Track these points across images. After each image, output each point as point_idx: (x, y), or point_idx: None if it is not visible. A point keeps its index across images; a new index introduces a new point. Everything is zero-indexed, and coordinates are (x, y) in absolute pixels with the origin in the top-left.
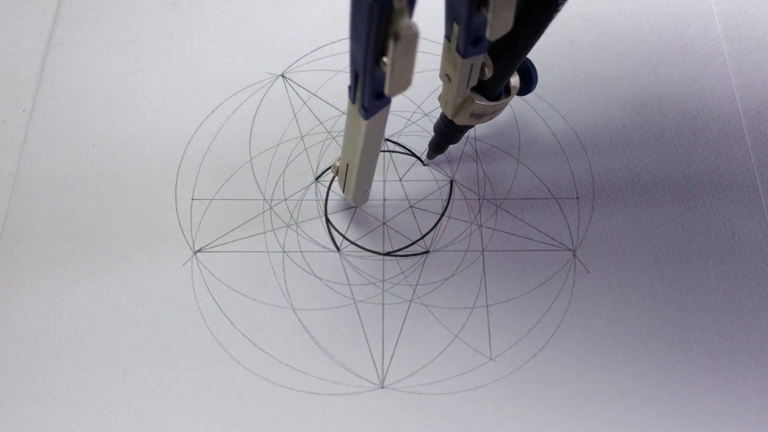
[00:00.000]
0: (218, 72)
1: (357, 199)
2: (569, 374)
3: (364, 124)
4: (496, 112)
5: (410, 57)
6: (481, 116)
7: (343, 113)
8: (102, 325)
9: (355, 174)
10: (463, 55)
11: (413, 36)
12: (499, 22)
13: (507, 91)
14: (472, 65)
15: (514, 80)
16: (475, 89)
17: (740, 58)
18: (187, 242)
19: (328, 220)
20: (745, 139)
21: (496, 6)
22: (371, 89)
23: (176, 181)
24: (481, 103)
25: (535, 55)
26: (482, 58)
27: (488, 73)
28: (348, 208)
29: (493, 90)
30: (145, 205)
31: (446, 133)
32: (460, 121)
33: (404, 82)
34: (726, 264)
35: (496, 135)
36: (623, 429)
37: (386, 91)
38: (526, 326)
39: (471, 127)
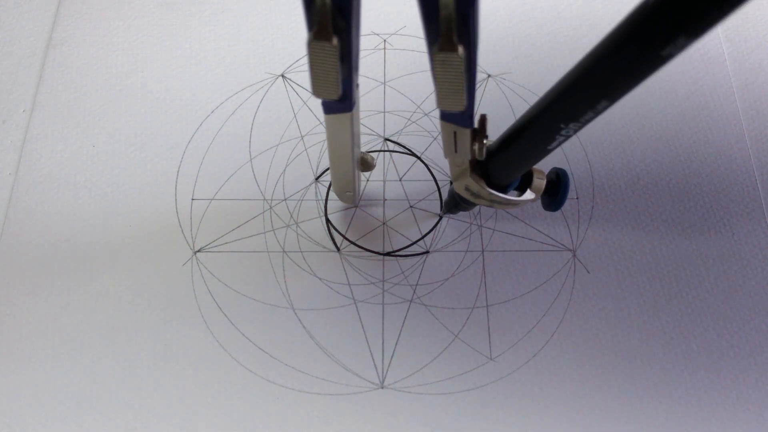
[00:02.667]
0: (218, 72)
1: (342, 196)
2: (569, 374)
3: (325, 117)
4: (495, 202)
5: (319, 65)
6: (476, 196)
7: None
8: (102, 325)
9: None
10: (440, 116)
11: (315, 45)
12: (442, 96)
13: (522, 190)
14: (455, 133)
15: (539, 183)
16: (476, 166)
17: (740, 58)
18: (187, 242)
19: (328, 220)
20: (745, 139)
21: (437, 78)
22: None
23: (176, 181)
24: (474, 182)
25: (534, 55)
26: (467, 132)
27: (478, 154)
28: (348, 208)
29: (495, 177)
30: (145, 205)
31: (454, 197)
32: (457, 188)
33: (323, 88)
34: (726, 264)
35: (496, 136)
36: (623, 429)
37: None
38: (526, 326)
39: (476, 204)
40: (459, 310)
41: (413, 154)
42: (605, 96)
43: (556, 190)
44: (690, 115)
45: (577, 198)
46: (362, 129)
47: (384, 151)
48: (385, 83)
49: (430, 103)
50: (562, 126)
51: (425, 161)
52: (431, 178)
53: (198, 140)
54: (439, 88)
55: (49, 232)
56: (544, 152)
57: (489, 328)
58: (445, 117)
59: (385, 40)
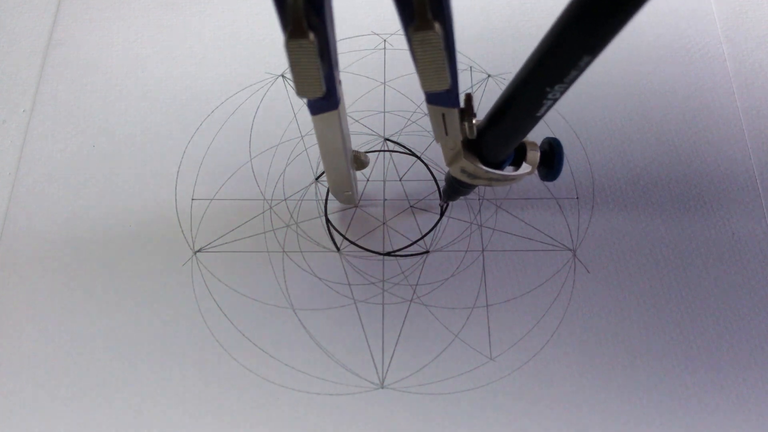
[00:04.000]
0: (218, 72)
1: (340, 198)
2: (569, 374)
3: (313, 119)
4: (493, 180)
5: (299, 63)
6: (474, 177)
7: None
8: (102, 325)
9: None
10: (426, 99)
11: (292, 44)
12: (425, 77)
13: (518, 164)
14: (443, 115)
15: (533, 155)
16: (469, 147)
17: (740, 58)
18: (187, 242)
19: (328, 220)
20: (745, 139)
21: (418, 59)
22: None
23: (176, 181)
24: (469, 162)
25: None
26: (455, 112)
27: (468, 133)
28: (348, 208)
29: (489, 155)
30: (145, 205)
31: (452, 182)
32: (453, 172)
33: (306, 87)
34: (726, 264)
35: None
36: (623, 428)
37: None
38: (526, 326)
39: (475, 186)
40: (459, 310)
41: (413, 154)
42: (585, 50)
43: (551, 160)
44: (690, 115)
45: (577, 198)
46: (362, 129)
47: (384, 151)
48: (385, 83)
49: None
50: (547, 90)
51: (425, 161)
52: (431, 178)
53: (198, 140)
54: (421, 69)
55: (49, 232)
56: (533, 120)
57: (489, 328)
58: (431, 99)
59: (385, 40)
